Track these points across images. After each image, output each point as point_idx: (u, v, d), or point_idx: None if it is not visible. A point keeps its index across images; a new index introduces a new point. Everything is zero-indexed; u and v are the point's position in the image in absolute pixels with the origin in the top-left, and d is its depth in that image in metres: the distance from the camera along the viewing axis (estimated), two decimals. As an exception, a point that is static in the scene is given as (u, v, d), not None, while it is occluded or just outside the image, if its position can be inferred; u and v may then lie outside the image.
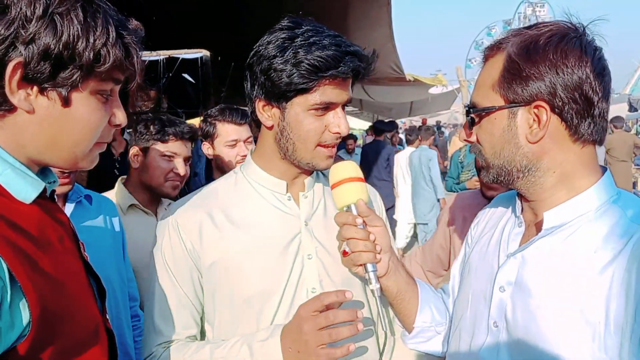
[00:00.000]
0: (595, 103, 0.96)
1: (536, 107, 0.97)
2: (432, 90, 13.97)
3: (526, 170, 1.01)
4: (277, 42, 1.14)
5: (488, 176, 1.08)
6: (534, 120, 0.98)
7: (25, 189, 0.84)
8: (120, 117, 0.93)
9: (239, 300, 1.21)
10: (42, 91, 0.81)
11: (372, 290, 1.13)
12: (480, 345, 1.08)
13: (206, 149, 2.52)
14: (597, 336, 0.90)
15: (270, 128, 1.23)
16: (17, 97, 0.80)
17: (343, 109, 1.21)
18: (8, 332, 0.74)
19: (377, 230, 1.15)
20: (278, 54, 1.13)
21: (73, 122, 0.85)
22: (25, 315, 0.75)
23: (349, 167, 1.16)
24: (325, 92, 1.15)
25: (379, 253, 1.14)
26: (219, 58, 10.34)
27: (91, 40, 0.82)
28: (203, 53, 10.10)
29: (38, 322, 0.76)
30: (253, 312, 1.21)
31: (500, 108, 1.00)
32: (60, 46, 0.79)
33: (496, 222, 1.20)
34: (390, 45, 7.38)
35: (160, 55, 10.11)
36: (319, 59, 1.10)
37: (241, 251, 1.21)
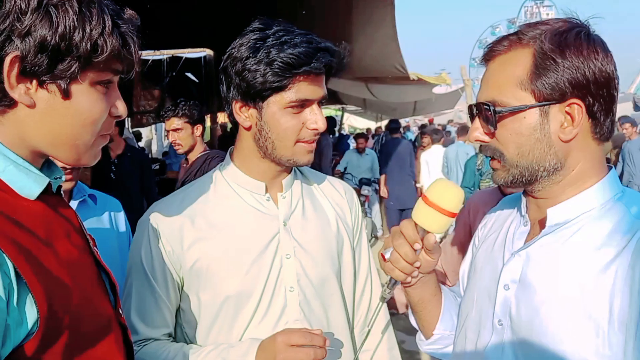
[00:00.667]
0: (615, 101, 0.96)
1: (569, 105, 0.95)
2: (436, 90, 13.92)
3: (552, 170, 0.99)
4: (249, 44, 1.17)
5: (507, 177, 1.03)
6: (565, 118, 0.96)
7: (29, 185, 0.83)
8: (121, 108, 0.93)
9: (219, 299, 1.23)
10: (41, 84, 0.81)
11: (382, 297, 1.16)
12: (485, 344, 1.07)
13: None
14: (601, 333, 0.89)
15: (249, 129, 1.24)
16: (17, 91, 0.79)
17: (319, 105, 1.22)
18: (17, 328, 0.74)
19: (428, 260, 1.10)
20: (251, 55, 1.15)
21: (74, 115, 0.85)
22: (33, 312, 0.75)
23: (456, 200, 1.03)
24: (300, 89, 1.17)
25: (412, 276, 1.12)
26: (222, 57, 10.34)
27: (87, 30, 0.81)
28: (206, 52, 10.11)
29: (46, 318, 0.76)
30: (233, 311, 1.23)
31: (532, 106, 0.96)
32: (57, 38, 0.79)
33: (502, 222, 1.19)
34: (394, 45, 7.37)
35: (164, 54, 10.14)
36: (291, 56, 1.12)
37: (221, 252, 1.23)
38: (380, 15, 6.46)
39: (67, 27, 0.79)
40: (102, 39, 0.82)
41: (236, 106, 1.23)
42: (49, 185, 0.87)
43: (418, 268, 1.10)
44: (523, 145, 0.99)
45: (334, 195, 1.40)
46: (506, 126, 1.00)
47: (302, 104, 1.19)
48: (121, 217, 2.00)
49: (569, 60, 0.93)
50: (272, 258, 1.24)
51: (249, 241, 1.24)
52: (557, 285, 0.96)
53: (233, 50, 1.20)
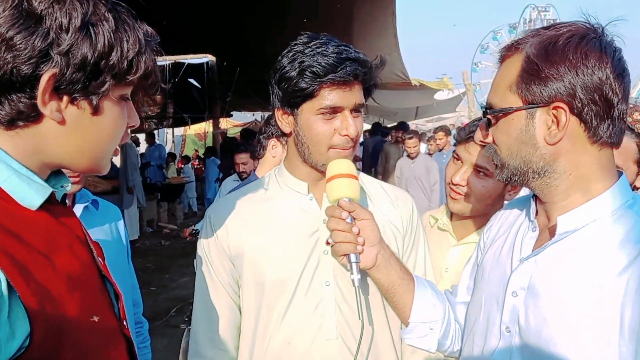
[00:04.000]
0: (615, 105, 0.94)
1: (555, 108, 0.95)
2: (438, 96, 13.95)
3: (542, 172, 1.00)
4: (289, 55, 1.26)
5: (502, 175, 1.07)
6: (552, 121, 0.96)
7: (30, 195, 0.82)
8: (136, 119, 0.94)
9: (259, 286, 1.32)
10: (72, 101, 0.80)
11: (351, 280, 1.18)
12: (492, 351, 1.07)
13: (272, 146, 2.88)
14: (611, 343, 0.88)
15: (290, 134, 1.34)
16: (48, 108, 0.78)
17: (353, 112, 1.27)
18: (8, 342, 0.72)
19: (363, 224, 1.20)
20: (287, 65, 1.25)
21: (100, 129, 0.85)
22: (25, 325, 0.73)
23: (342, 164, 1.24)
24: (329, 97, 1.23)
25: (362, 245, 1.19)
26: (225, 63, 10.39)
27: (125, 49, 0.81)
28: (209, 58, 10.15)
29: (39, 332, 0.74)
30: (270, 299, 1.31)
31: (518, 109, 0.99)
32: (96, 56, 0.78)
33: (509, 226, 1.19)
34: (396, 54, 7.43)
35: (166, 60, 10.18)
36: (318, 65, 1.20)
37: (261, 243, 1.33)
38: (382, 26, 6.50)
39: (106, 45, 0.79)
40: (137, 58, 0.83)
41: (278, 113, 1.34)
42: (53, 193, 0.86)
43: (359, 235, 1.18)
44: (512, 147, 1.02)
45: (383, 201, 1.44)
46: (498, 127, 1.04)
47: (333, 111, 1.25)
48: (121, 225, 1.99)
49: (554, 66, 0.94)
50: (309, 253, 1.31)
51: (288, 236, 1.32)
52: (566, 293, 0.95)
53: (277, 62, 1.29)
